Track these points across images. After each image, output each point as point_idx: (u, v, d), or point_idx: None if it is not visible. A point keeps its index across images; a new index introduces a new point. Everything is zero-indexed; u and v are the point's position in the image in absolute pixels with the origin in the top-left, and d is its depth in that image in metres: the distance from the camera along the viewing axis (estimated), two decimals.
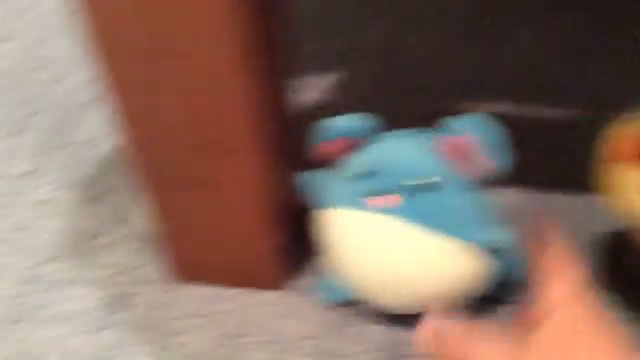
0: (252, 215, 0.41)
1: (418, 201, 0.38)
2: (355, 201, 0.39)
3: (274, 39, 0.41)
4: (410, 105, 0.57)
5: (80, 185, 0.54)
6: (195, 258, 0.45)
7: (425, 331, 0.34)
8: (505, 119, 0.39)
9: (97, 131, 0.60)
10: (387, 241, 0.39)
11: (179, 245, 0.45)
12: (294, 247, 0.47)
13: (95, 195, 0.53)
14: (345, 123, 0.41)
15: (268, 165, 0.39)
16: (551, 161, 0.52)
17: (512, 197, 0.50)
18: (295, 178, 0.45)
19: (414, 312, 0.40)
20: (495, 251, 0.38)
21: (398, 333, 0.42)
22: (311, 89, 0.62)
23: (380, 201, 0.39)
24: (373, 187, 0.39)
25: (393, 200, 0.38)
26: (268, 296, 0.45)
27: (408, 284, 0.39)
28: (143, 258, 0.48)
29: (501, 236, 0.38)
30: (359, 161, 0.40)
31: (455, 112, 0.40)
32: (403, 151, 0.40)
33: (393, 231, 0.39)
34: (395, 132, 0.42)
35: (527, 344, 0.31)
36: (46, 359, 0.42)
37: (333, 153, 0.41)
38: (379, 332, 0.43)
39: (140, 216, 0.51)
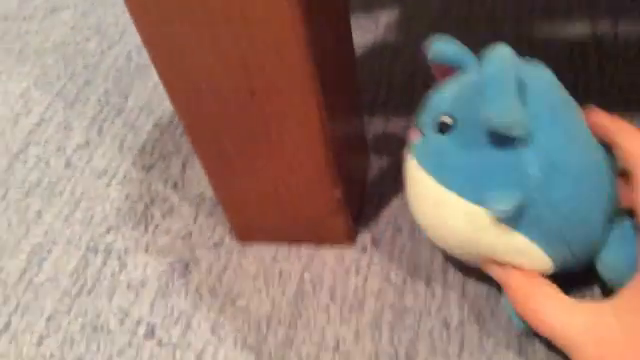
0: (311, 166, 0.38)
1: (429, 141, 0.34)
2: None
3: None
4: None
5: (135, 153, 0.53)
6: (255, 218, 0.43)
7: (496, 268, 0.32)
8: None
9: (149, 97, 0.59)
10: (408, 179, 0.36)
11: (237, 206, 0.43)
12: (358, 200, 0.45)
13: (151, 162, 0.52)
14: (447, 48, 0.36)
15: (326, 111, 0.36)
16: None
17: None
18: (355, 123, 0.42)
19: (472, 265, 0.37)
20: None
21: (468, 285, 0.39)
22: (367, 30, 0.59)
23: (413, 134, 0.35)
24: (418, 119, 0.35)
25: (415, 135, 0.35)
26: (332, 253, 0.43)
27: (427, 230, 0.36)
28: (202, 222, 0.47)
29: (501, 204, 0.31)
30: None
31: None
32: (459, 83, 0.34)
33: (409, 170, 0.36)
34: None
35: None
36: (111, 329, 0.41)
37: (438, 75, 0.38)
38: (450, 287, 0.40)
39: (196, 180, 0.50)
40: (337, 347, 0.38)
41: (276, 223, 0.43)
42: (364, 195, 0.46)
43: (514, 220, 0.31)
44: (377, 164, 0.48)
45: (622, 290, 0.29)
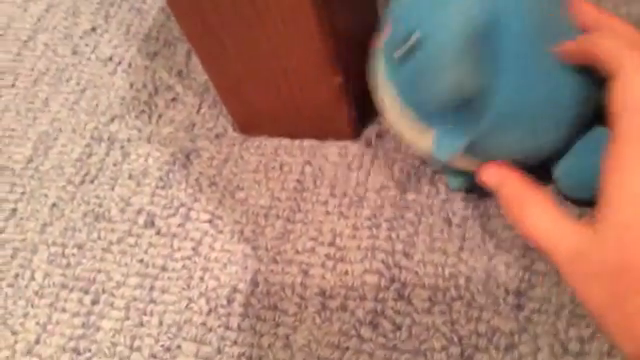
0: (307, 49, 0.35)
1: (390, 47, 0.30)
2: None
3: None
4: None
5: (141, 39, 0.51)
6: (254, 108, 0.41)
7: (490, 168, 0.30)
8: None
9: None
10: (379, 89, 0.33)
11: (234, 93, 0.41)
12: (362, 87, 0.42)
13: (156, 48, 0.50)
14: None
15: None
16: None
17: None
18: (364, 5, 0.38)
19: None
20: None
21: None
22: None
23: (385, 29, 0.31)
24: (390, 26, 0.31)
25: (386, 31, 0.31)
26: (336, 147, 0.41)
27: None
28: (205, 113, 0.45)
29: (441, 153, 0.29)
30: None
31: None
32: None
33: (376, 77, 0.33)
34: None
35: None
36: (112, 217, 0.41)
37: None
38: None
39: (201, 68, 0.48)
40: (333, 242, 0.37)
41: (277, 114, 0.41)
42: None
43: (459, 156, 0.30)
44: None
45: (605, 217, 0.26)
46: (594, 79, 0.29)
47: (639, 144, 0.25)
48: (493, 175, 0.30)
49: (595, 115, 0.31)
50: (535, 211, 0.28)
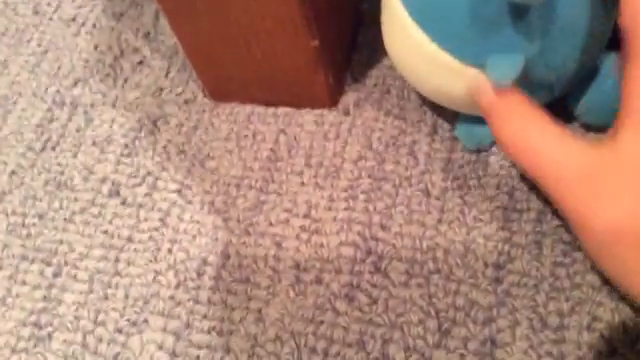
0: (287, 12, 0.33)
1: None
2: None
3: None
4: None
5: (105, 0, 0.48)
6: (226, 72, 0.39)
7: (487, 85, 0.28)
8: None
9: None
10: (387, 23, 0.32)
11: (210, 60, 0.39)
12: (343, 57, 0.40)
13: (122, 9, 0.48)
14: None
15: None
16: None
17: None
18: None
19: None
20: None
21: (455, 152, 0.36)
22: None
23: None
24: None
25: None
26: (312, 115, 0.39)
27: (413, 83, 0.33)
28: (173, 78, 0.43)
29: (504, 74, 0.28)
30: None
31: None
32: None
33: (389, 13, 0.31)
34: None
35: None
36: (74, 186, 0.39)
37: None
38: (436, 154, 0.36)
39: (170, 30, 0.45)
40: (308, 213, 0.36)
41: (250, 80, 0.39)
42: (352, 51, 0.41)
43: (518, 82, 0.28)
44: (371, 18, 0.43)
45: (628, 129, 0.25)
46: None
47: None
48: (489, 89, 0.28)
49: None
50: (539, 127, 0.26)
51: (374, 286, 0.33)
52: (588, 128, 0.35)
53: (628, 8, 0.25)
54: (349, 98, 0.40)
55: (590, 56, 0.30)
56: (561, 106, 0.33)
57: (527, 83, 0.29)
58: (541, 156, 0.26)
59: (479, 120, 0.31)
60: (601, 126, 0.32)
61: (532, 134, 0.26)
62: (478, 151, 0.36)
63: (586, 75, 0.32)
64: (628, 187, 0.23)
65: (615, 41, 0.30)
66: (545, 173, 0.26)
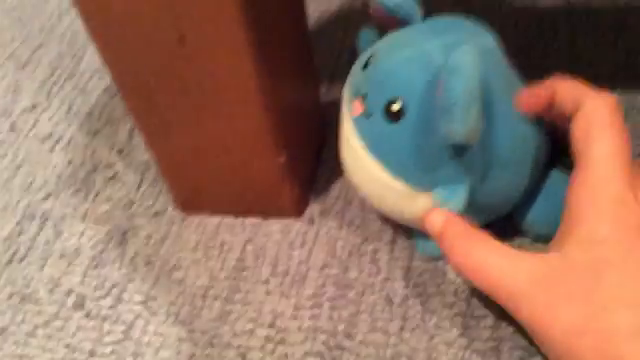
0: (251, 129, 0.35)
1: (375, 124, 0.32)
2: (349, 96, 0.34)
3: None
4: None
5: (82, 117, 0.51)
6: (196, 185, 0.41)
7: (434, 216, 0.31)
8: None
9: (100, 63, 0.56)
10: (346, 153, 0.35)
11: (176, 170, 0.40)
12: (308, 170, 0.42)
13: (97, 127, 0.50)
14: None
15: (265, 67, 0.33)
16: None
17: None
18: (304, 82, 0.39)
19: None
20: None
21: (414, 260, 0.37)
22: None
23: (355, 106, 0.33)
24: (357, 87, 0.33)
25: (358, 108, 0.33)
26: (279, 225, 0.41)
27: (373, 202, 0.35)
28: (144, 191, 0.44)
29: (453, 204, 0.31)
30: (371, 50, 0.34)
31: None
32: (404, 49, 0.31)
33: (349, 146, 0.34)
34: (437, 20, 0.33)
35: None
36: (39, 299, 0.39)
37: (381, 24, 0.35)
38: (396, 262, 0.37)
39: (143, 147, 0.47)
40: (274, 323, 0.36)
41: (219, 192, 0.41)
42: (316, 166, 0.44)
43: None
44: (333, 139, 0.45)
45: (576, 236, 0.27)
46: (542, 127, 0.32)
47: (606, 164, 0.26)
48: (437, 220, 0.31)
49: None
50: (484, 248, 0.28)
51: None
52: (537, 238, 0.36)
53: (581, 122, 0.28)
54: (314, 209, 0.41)
55: (532, 178, 0.33)
56: (508, 221, 0.35)
57: (472, 209, 0.31)
58: (491, 274, 0.28)
59: None
60: (548, 236, 0.34)
61: (479, 255, 0.28)
62: (437, 259, 0.37)
63: (530, 193, 0.34)
64: (580, 292, 0.25)
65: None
66: (497, 289, 0.28)
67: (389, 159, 0.32)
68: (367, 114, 0.32)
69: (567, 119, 0.30)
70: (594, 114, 0.28)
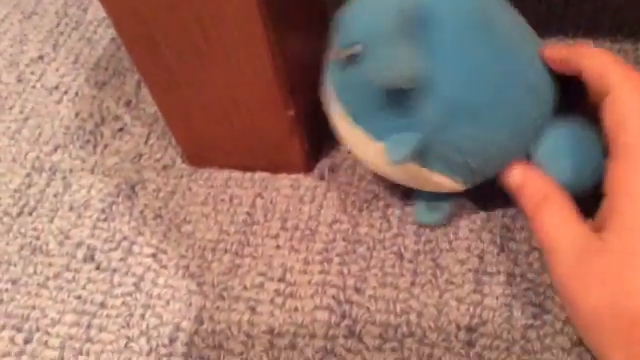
0: (260, 82, 0.35)
1: (339, 69, 0.30)
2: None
3: None
4: None
5: (90, 68, 0.50)
6: (205, 139, 0.40)
7: (515, 169, 0.31)
8: None
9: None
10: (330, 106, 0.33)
11: (184, 124, 0.40)
12: (317, 122, 0.41)
13: (105, 78, 0.49)
14: None
15: (273, 18, 0.32)
16: None
17: None
18: (315, 34, 0.38)
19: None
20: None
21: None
22: None
23: (332, 53, 0.31)
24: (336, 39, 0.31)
25: (333, 55, 0.31)
26: (288, 180, 0.40)
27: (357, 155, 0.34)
28: (153, 144, 0.44)
29: (394, 154, 0.29)
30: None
31: None
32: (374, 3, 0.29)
33: (328, 94, 0.33)
34: None
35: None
36: (49, 251, 0.39)
37: None
38: (408, 218, 0.37)
39: (151, 99, 0.47)
40: (283, 277, 0.36)
41: (228, 146, 0.40)
42: (327, 121, 0.43)
43: (415, 159, 0.30)
44: None
45: (616, 230, 0.27)
46: (552, 80, 0.30)
47: None
48: (517, 174, 0.31)
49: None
50: (550, 208, 0.29)
51: (348, 351, 0.33)
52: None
53: (613, 108, 0.27)
54: (324, 163, 0.41)
55: (520, 141, 0.31)
56: None
57: (443, 164, 0.30)
58: (545, 232, 0.28)
59: (435, 198, 0.34)
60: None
61: (545, 212, 0.29)
62: (432, 226, 0.37)
63: (550, 149, 0.31)
64: (613, 275, 0.25)
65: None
66: (545, 245, 0.28)
67: (348, 104, 0.31)
68: (337, 59, 0.31)
69: (594, 92, 0.29)
70: (627, 102, 0.27)
